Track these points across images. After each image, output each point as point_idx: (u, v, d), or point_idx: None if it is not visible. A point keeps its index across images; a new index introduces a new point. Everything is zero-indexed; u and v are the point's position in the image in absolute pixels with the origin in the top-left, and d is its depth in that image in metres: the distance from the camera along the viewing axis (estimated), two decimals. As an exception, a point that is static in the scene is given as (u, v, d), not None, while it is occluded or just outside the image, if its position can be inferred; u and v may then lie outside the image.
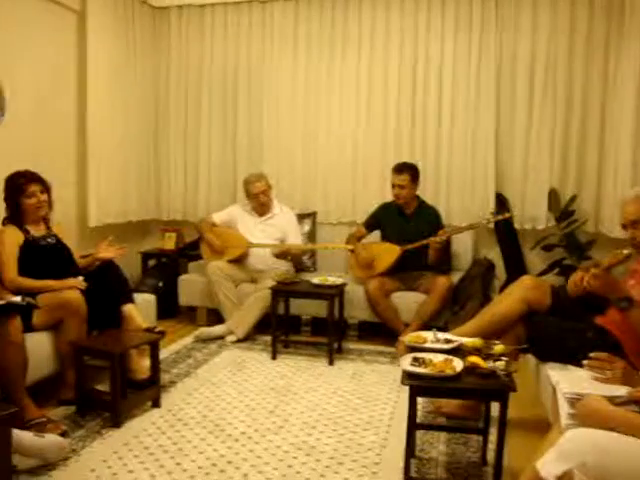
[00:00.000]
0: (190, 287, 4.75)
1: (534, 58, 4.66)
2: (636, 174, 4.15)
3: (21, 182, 3.21)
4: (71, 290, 3.09)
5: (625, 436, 1.57)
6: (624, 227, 2.63)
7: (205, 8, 5.30)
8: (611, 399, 1.70)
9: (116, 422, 2.86)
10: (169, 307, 4.86)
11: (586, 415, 1.67)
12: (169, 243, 5.41)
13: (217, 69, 5.33)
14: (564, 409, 1.78)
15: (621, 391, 1.75)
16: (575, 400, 1.76)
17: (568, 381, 1.88)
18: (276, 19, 5.14)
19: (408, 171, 4.34)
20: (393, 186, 4.36)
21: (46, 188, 3.31)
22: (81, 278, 3.25)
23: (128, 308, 3.34)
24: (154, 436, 2.79)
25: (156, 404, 3.13)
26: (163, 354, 3.70)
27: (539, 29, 4.62)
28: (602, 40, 4.48)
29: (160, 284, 4.96)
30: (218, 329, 4.37)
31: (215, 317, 4.66)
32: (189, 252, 5.25)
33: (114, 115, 4.92)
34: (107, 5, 4.74)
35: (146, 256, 5.35)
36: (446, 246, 4.35)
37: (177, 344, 4.25)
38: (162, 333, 3.26)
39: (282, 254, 4.53)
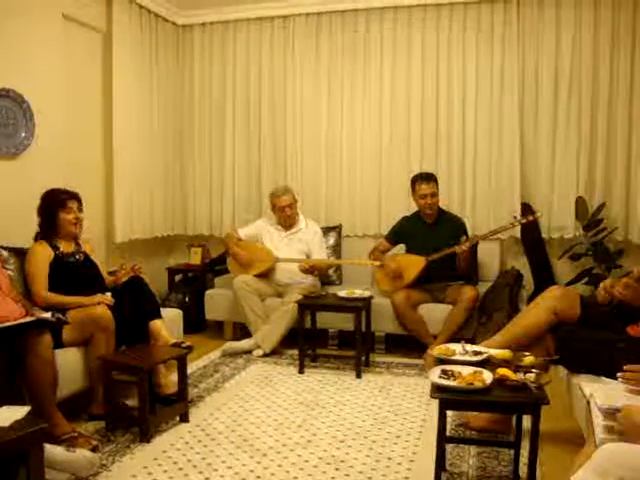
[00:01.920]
0: (217, 302, 4.77)
1: (558, 70, 4.66)
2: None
3: (63, 197, 3.33)
4: (100, 306, 3.12)
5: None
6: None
7: (228, 24, 5.36)
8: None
9: (145, 437, 2.87)
10: (196, 322, 4.89)
11: (629, 427, 1.63)
12: (195, 258, 5.45)
13: (240, 85, 5.38)
14: (599, 422, 1.74)
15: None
16: (611, 413, 1.72)
17: (602, 394, 1.84)
18: (297, 34, 5.19)
19: (434, 179, 4.36)
20: (424, 196, 4.33)
21: (81, 207, 3.41)
22: (109, 294, 3.30)
23: (155, 323, 3.37)
24: (183, 451, 2.80)
25: (184, 419, 3.13)
26: (191, 369, 3.72)
27: (562, 42, 4.62)
28: (628, 49, 4.47)
29: (187, 299, 5.00)
30: (245, 343, 4.37)
31: (242, 331, 4.68)
32: (215, 267, 5.28)
33: (140, 132, 4.99)
34: (132, 25, 4.83)
35: (172, 271, 5.39)
36: (473, 255, 4.32)
37: (204, 359, 4.26)
38: (189, 348, 3.27)
39: (309, 269, 4.53)
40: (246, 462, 2.68)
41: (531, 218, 4.22)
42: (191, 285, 5.20)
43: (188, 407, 3.19)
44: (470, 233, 4.49)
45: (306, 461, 2.70)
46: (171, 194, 5.48)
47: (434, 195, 4.34)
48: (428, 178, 4.36)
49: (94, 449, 2.67)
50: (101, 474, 2.55)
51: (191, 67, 5.52)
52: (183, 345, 3.28)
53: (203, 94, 5.51)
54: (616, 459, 1.53)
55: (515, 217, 4.54)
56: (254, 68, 5.34)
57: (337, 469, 2.62)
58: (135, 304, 3.36)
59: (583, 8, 4.54)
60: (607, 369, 2.10)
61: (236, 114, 5.41)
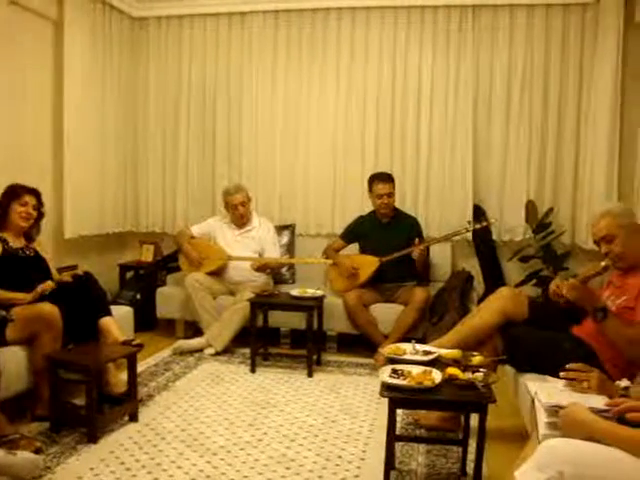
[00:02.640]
0: (168, 299, 4.71)
1: (511, 73, 4.74)
2: (610, 188, 4.24)
3: (20, 191, 3.31)
4: (46, 303, 3.04)
5: (602, 446, 1.58)
6: (597, 244, 2.68)
7: (184, 19, 5.28)
8: (590, 409, 1.71)
9: (92, 437, 2.81)
10: (147, 320, 4.81)
11: (569, 425, 1.68)
12: (147, 255, 5.37)
13: (196, 80, 5.31)
14: (542, 419, 1.79)
15: (598, 400, 1.77)
16: (554, 410, 1.77)
17: (546, 392, 1.90)
18: (255, 31, 5.15)
19: (392, 180, 4.41)
20: (381, 196, 4.37)
21: (39, 207, 3.38)
22: (51, 282, 3.22)
23: (105, 321, 3.31)
24: (131, 451, 2.75)
25: (133, 418, 3.08)
26: (141, 367, 3.65)
27: (515, 45, 4.72)
28: (577, 56, 4.60)
29: (138, 296, 4.92)
30: (196, 342, 4.33)
31: (193, 330, 4.63)
32: (167, 264, 5.21)
33: (91, 126, 4.88)
34: (85, 14, 4.71)
35: (124, 268, 5.29)
36: (427, 256, 4.38)
37: (155, 357, 4.20)
38: (140, 346, 3.23)
39: (261, 267, 4.52)
40: (196, 461, 2.66)
41: (485, 224, 4.32)
42: (142, 282, 5.12)
43: (137, 406, 3.14)
44: (423, 233, 4.55)
45: (256, 460, 2.69)
46: (123, 190, 5.37)
47: (391, 195, 4.38)
48: (386, 178, 4.40)
49: (37, 451, 2.59)
50: (45, 477, 2.48)
51: (146, 61, 5.42)
52: (133, 343, 3.23)
53: (158, 89, 5.41)
54: (557, 454, 1.57)
55: (469, 222, 4.62)
56: (210, 64, 5.28)
57: (288, 468, 2.62)
58: (84, 301, 3.29)
59: (535, 15, 4.65)
60: (552, 368, 2.16)
61: (191, 110, 5.34)
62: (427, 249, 4.35)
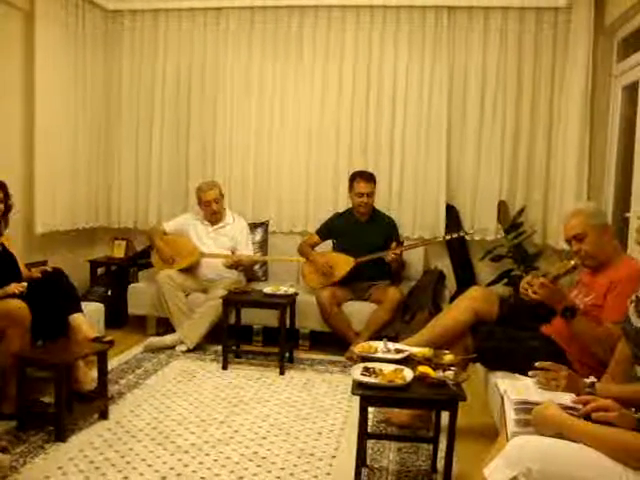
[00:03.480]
0: (140, 296, 4.66)
1: (485, 74, 4.79)
2: (580, 189, 4.30)
3: None
4: (14, 299, 2.98)
5: (570, 443, 1.61)
6: (568, 242, 2.72)
7: (159, 13, 5.22)
8: (558, 405, 1.74)
9: (60, 436, 2.77)
10: (118, 316, 4.76)
11: (541, 422, 1.71)
12: (119, 251, 5.31)
13: (170, 76, 5.25)
14: (511, 417, 1.81)
15: (566, 398, 1.80)
16: (523, 407, 1.80)
17: (516, 390, 1.92)
18: (231, 27, 5.11)
19: (374, 180, 4.44)
20: (361, 194, 4.38)
21: (5, 200, 3.27)
22: (24, 283, 3.15)
23: (76, 317, 3.26)
24: (101, 449, 2.72)
25: (103, 416, 3.05)
26: (111, 364, 3.61)
27: (489, 47, 4.76)
28: (550, 58, 4.67)
29: (109, 293, 4.86)
30: (168, 339, 4.30)
31: (165, 327, 4.59)
32: (139, 260, 5.16)
33: (63, 119, 4.79)
34: (57, 5, 4.61)
35: (95, 264, 5.22)
36: (400, 258, 4.40)
37: (126, 354, 4.16)
38: (111, 343, 3.19)
39: (234, 265, 4.50)
40: (167, 459, 2.64)
41: (462, 234, 4.39)
42: (114, 279, 5.06)
43: (108, 404, 3.11)
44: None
45: (228, 458, 2.68)
46: (95, 185, 5.30)
47: (370, 195, 4.41)
48: (368, 177, 4.42)
49: (3, 450, 2.54)
50: (10, 477, 2.44)
51: (119, 55, 5.33)
52: (104, 340, 3.19)
53: (131, 83, 5.33)
54: (525, 451, 1.60)
55: (446, 232, 4.69)
56: (184, 60, 5.22)
57: (259, 466, 2.62)
58: (54, 297, 3.24)
59: (509, 17, 4.70)
60: (522, 366, 2.19)
61: (165, 106, 5.27)
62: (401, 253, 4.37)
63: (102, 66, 5.29)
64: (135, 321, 4.87)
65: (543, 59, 4.68)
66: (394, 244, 4.30)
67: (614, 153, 4.26)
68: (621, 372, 2.06)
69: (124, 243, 5.30)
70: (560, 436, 1.64)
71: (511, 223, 4.71)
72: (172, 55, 5.24)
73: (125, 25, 5.31)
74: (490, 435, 2.44)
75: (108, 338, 3.25)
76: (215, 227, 4.66)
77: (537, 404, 1.77)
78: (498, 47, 4.74)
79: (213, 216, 4.63)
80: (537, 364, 2.05)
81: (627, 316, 1.99)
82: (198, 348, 4.27)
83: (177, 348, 4.25)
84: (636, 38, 3.86)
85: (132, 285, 4.77)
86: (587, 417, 1.67)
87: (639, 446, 1.54)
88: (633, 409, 1.69)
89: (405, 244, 4.56)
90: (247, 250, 4.65)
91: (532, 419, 1.74)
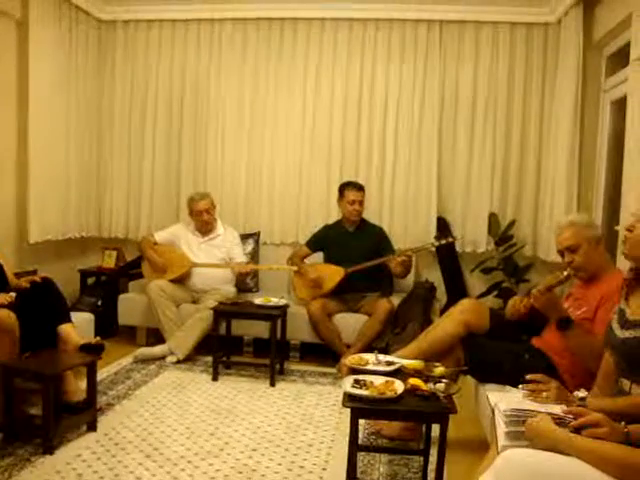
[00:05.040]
0: (130, 306, 4.64)
1: (476, 87, 4.84)
2: (570, 202, 4.32)
3: None
4: (2, 309, 2.96)
5: (561, 456, 1.60)
6: (560, 253, 2.73)
7: (153, 24, 5.24)
8: (548, 415, 1.74)
9: (48, 448, 2.74)
10: (108, 327, 4.72)
11: (533, 435, 1.70)
12: (109, 261, 5.29)
13: (163, 87, 5.26)
14: (502, 430, 1.81)
15: (556, 410, 1.80)
16: (514, 419, 1.80)
17: (506, 402, 1.92)
18: (224, 39, 5.13)
19: (364, 190, 4.51)
20: (352, 202, 4.41)
21: None
22: (12, 294, 3.13)
23: (65, 328, 3.23)
24: (89, 462, 2.69)
25: (92, 428, 3.02)
26: (100, 375, 3.59)
27: (480, 62, 4.83)
28: (540, 72, 4.74)
29: (99, 303, 4.83)
30: (158, 349, 4.28)
31: (155, 337, 4.57)
32: (130, 271, 5.14)
33: (56, 130, 4.78)
34: (50, 15, 4.61)
35: (85, 274, 5.20)
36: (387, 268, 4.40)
37: (115, 365, 4.13)
38: (101, 346, 3.16)
39: (243, 273, 4.53)
40: (156, 472, 2.62)
41: (450, 240, 4.39)
42: (104, 289, 5.03)
43: (96, 415, 3.08)
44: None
45: (218, 470, 2.66)
46: (86, 195, 5.27)
47: (361, 203, 4.45)
48: (359, 187, 4.48)
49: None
50: (-3, 489, 2.42)
51: (112, 65, 5.34)
52: (94, 342, 3.17)
53: (124, 93, 5.34)
54: (515, 465, 1.59)
55: (435, 237, 4.70)
56: (177, 70, 5.24)
57: (249, 478, 2.60)
58: (43, 307, 3.22)
59: (500, 32, 4.76)
60: (513, 379, 2.19)
61: (157, 116, 5.28)
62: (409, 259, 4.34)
63: (95, 76, 5.29)
64: (125, 331, 4.85)
65: (534, 74, 4.75)
66: (391, 256, 4.29)
67: (604, 167, 4.30)
68: (606, 386, 2.06)
69: (115, 253, 5.28)
70: (552, 450, 1.64)
71: (502, 235, 4.74)
72: (165, 66, 5.26)
73: (118, 35, 5.32)
74: (481, 448, 2.43)
75: (98, 338, 3.23)
76: (206, 238, 4.65)
77: (529, 412, 1.77)
78: (489, 61, 4.80)
79: (204, 227, 4.63)
80: (528, 376, 2.05)
81: (610, 328, 1.99)
82: (188, 359, 4.25)
83: (167, 359, 4.23)
84: (623, 54, 3.91)
85: (122, 295, 4.75)
86: (577, 430, 1.67)
87: (635, 461, 1.54)
88: (623, 422, 1.69)
89: (395, 254, 4.54)
90: (241, 259, 4.66)
91: (525, 431, 1.74)
